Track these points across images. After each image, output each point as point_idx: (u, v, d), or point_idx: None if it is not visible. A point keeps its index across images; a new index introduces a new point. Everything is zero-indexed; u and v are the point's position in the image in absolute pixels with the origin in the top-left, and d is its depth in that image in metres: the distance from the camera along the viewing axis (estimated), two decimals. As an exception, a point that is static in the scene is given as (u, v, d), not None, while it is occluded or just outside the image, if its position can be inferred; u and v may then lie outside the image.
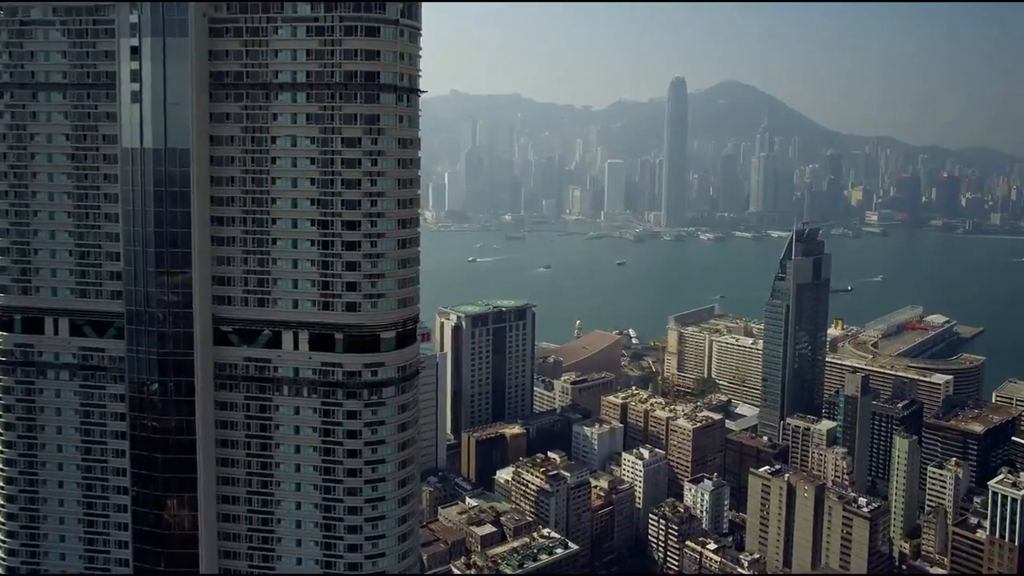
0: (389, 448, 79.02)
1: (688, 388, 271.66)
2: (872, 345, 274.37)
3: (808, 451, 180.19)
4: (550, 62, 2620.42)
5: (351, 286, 75.10)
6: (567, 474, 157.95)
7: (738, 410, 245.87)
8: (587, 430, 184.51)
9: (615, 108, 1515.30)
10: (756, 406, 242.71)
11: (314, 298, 76.03)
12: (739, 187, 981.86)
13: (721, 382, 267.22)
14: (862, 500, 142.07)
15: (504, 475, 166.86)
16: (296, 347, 77.40)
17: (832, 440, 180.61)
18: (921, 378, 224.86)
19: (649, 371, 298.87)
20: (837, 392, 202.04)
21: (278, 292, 76.69)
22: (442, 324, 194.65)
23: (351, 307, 75.60)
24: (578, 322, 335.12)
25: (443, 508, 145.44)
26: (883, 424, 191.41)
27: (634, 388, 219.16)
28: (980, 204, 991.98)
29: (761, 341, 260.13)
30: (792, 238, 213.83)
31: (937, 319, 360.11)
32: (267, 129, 75.00)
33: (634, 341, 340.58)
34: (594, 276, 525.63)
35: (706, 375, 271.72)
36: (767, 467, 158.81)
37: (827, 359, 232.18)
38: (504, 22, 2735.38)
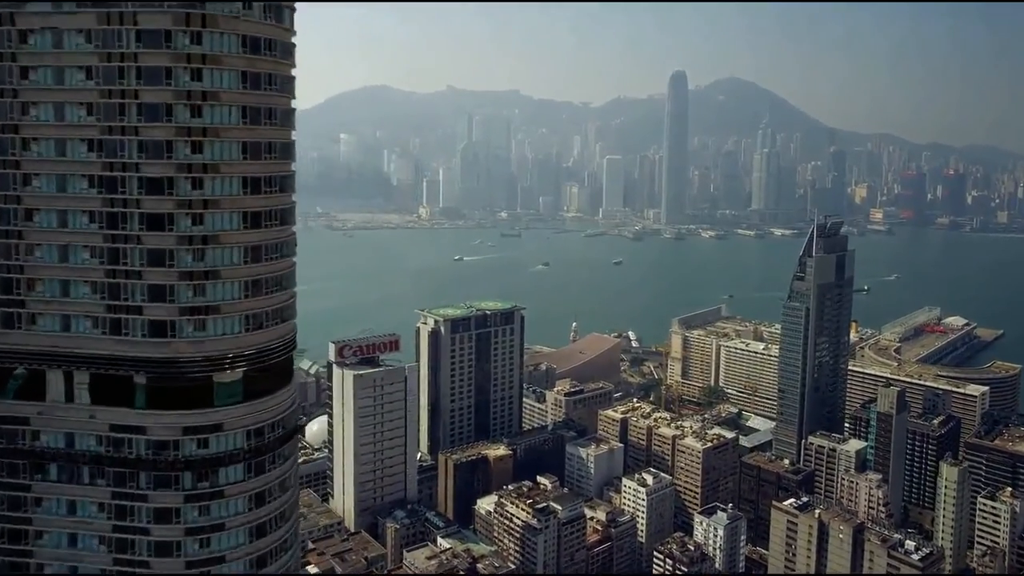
0: (232, 567, 48.79)
1: (693, 397, 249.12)
2: (895, 351, 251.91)
3: (834, 476, 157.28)
4: (548, 58, 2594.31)
5: (158, 293, 46.26)
6: (557, 507, 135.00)
7: (749, 423, 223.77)
8: (582, 451, 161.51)
9: (614, 104, 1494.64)
10: (769, 419, 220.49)
11: (96, 313, 46.96)
12: (740, 184, 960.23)
13: (729, 391, 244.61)
14: (909, 544, 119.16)
15: (486, 505, 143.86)
16: (69, 398, 48.20)
17: (862, 463, 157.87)
18: (954, 389, 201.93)
19: (651, 377, 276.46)
20: (864, 406, 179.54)
21: (37, 302, 47.20)
22: (418, 329, 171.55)
23: (159, 329, 46.51)
24: (574, 324, 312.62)
25: (409, 551, 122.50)
26: (919, 444, 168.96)
27: (635, 400, 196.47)
28: (986, 202, 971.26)
29: (773, 346, 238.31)
30: (812, 233, 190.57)
31: (956, 321, 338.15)
32: (12, 56, 46.72)
33: (634, 344, 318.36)
34: (592, 275, 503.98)
35: (713, 383, 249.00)
36: (792, 500, 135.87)
37: (848, 367, 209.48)
38: (502, 18, 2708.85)
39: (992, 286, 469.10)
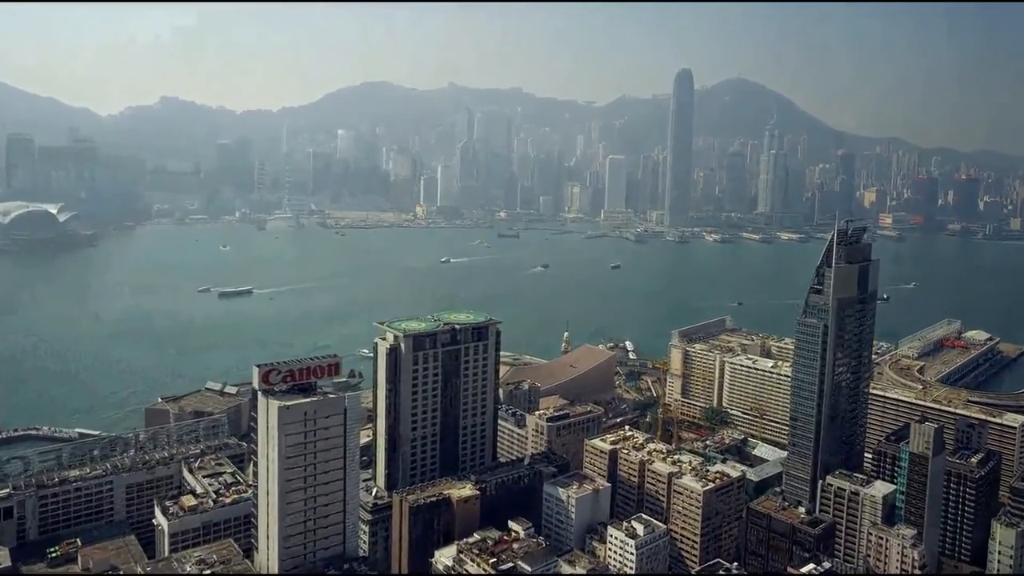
0: None
1: (694, 418, 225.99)
2: (918, 371, 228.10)
3: (857, 526, 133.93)
4: (553, 56, 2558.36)
5: None
6: (527, 567, 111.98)
7: (756, 451, 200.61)
8: (561, 491, 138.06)
9: (618, 104, 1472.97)
10: (778, 446, 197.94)
11: None
12: (746, 186, 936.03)
13: (734, 412, 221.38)
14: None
15: (445, 558, 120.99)
16: None
17: (890, 511, 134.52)
18: (989, 418, 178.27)
19: (649, 395, 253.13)
20: (888, 439, 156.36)
21: None
22: (375, 345, 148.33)
23: None
24: (566, 334, 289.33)
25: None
26: (954, 487, 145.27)
27: (627, 428, 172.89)
28: (999, 208, 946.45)
29: (783, 364, 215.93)
30: (832, 240, 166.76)
31: (979, 336, 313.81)
32: None
33: (631, 356, 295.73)
34: (589, 279, 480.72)
35: (716, 404, 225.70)
36: (812, 566, 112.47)
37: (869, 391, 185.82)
38: (506, 15, 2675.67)
39: (1010, 296, 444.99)
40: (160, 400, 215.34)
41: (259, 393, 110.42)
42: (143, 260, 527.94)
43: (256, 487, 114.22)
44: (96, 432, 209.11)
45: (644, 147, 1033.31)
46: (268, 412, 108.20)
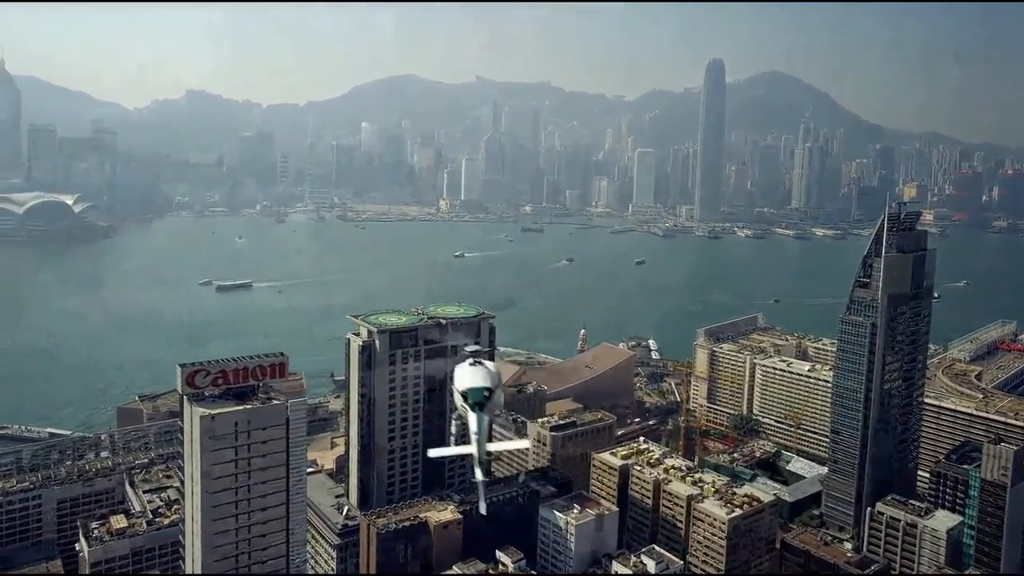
0: None
1: (722, 426, 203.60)
2: (975, 377, 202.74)
3: (915, 567, 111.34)
4: (582, 50, 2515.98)
5: None
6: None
7: (790, 466, 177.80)
8: (560, 516, 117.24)
9: (648, 97, 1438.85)
10: (815, 460, 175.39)
11: None
12: (780, 181, 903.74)
13: (766, 421, 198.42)
14: None
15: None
16: None
17: (955, 551, 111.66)
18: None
19: (672, 399, 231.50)
20: (951, 458, 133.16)
21: None
22: (347, 342, 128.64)
23: None
24: (582, 331, 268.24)
25: None
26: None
27: (642, 440, 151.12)
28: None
29: (822, 367, 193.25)
30: (883, 226, 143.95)
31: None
32: None
33: (654, 355, 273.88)
34: (612, 276, 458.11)
35: (745, 411, 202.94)
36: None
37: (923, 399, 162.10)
38: (535, 8, 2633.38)
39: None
40: (136, 398, 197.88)
41: (184, 399, 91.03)
42: (155, 252, 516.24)
43: (183, 512, 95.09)
44: (68, 432, 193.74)
45: (674, 141, 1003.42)
46: (192, 422, 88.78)
